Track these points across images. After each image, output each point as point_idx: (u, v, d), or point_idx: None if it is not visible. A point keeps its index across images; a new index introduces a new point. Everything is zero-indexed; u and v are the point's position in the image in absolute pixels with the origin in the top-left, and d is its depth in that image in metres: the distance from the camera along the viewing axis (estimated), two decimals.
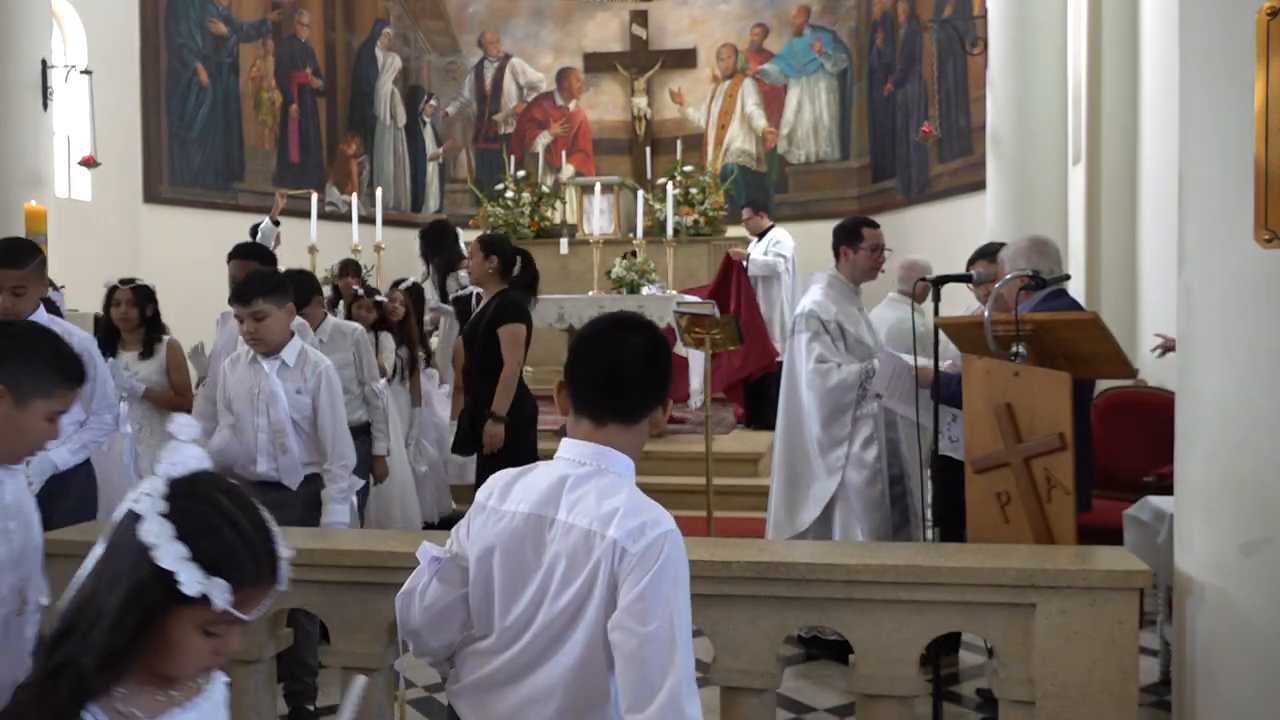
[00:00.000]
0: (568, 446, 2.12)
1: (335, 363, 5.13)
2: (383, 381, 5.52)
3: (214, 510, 1.54)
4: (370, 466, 5.26)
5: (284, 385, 4.08)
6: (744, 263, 9.17)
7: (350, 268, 7.98)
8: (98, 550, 1.58)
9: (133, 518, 1.53)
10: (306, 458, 4.17)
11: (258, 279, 4.13)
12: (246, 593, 1.53)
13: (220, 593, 1.49)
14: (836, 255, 4.89)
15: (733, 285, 9.00)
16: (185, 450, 1.60)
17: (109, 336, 5.17)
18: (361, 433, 5.14)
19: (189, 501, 1.54)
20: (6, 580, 2.42)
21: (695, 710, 1.93)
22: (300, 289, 4.95)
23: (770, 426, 8.62)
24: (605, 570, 1.97)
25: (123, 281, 5.21)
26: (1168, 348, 5.10)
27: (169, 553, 1.49)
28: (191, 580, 1.48)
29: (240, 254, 5.44)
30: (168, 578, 1.48)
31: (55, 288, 4.46)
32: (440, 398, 6.99)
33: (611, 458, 2.08)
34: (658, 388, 2.13)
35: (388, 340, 6.34)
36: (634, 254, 9.26)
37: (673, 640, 1.92)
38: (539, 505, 2.06)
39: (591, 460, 2.07)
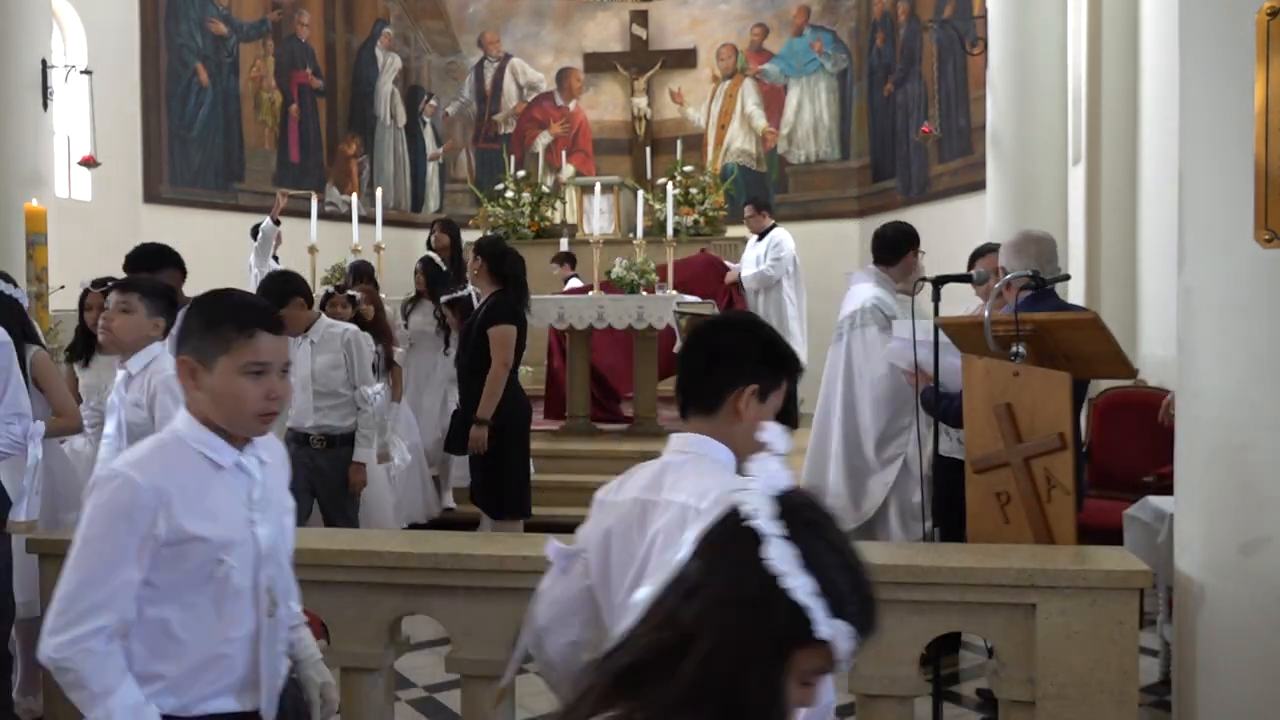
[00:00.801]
0: (673, 440, 2.23)
1: (324, 364, 5.03)
2: (378, 386, 5.42)
3: (828, 542, 1.31)
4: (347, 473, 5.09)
5: (125, 397, 3.71)
6: (737, 281, 9.22)
7: (364, 272, 7.54)
8: (682, 553, 1.34)
9: (745, 534, 1.29)
10: None
11: (146, 281, 3.86)
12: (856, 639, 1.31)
13: (845, 638, 1.27)
14: (894, 259, 4.93)
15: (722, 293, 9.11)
16: (773, 464, 1.37)
17: (88, 343, 4.62)
18: (349, 441, 5.09)
19: (804, 528, 1.30)
20: (264, 570, 2.24)
21: None
22: (280, 289, 4.86)
23: None
24: None
25: (95, 283, 4.71)
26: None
27: (801, 585, 1.25)
28: (823, 620, 1.25)
29: (129, 263, 4.70)
30: (799, 615, 1.25)
31: (15, 284, 4.25)
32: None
33: (712, 446, 2.16)
34: (724, 373, 2.17)
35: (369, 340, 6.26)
36: (568, 256, 9.66)
37: None
38: (644, 491, 2.16)
39: (693, 448, 2.17)
